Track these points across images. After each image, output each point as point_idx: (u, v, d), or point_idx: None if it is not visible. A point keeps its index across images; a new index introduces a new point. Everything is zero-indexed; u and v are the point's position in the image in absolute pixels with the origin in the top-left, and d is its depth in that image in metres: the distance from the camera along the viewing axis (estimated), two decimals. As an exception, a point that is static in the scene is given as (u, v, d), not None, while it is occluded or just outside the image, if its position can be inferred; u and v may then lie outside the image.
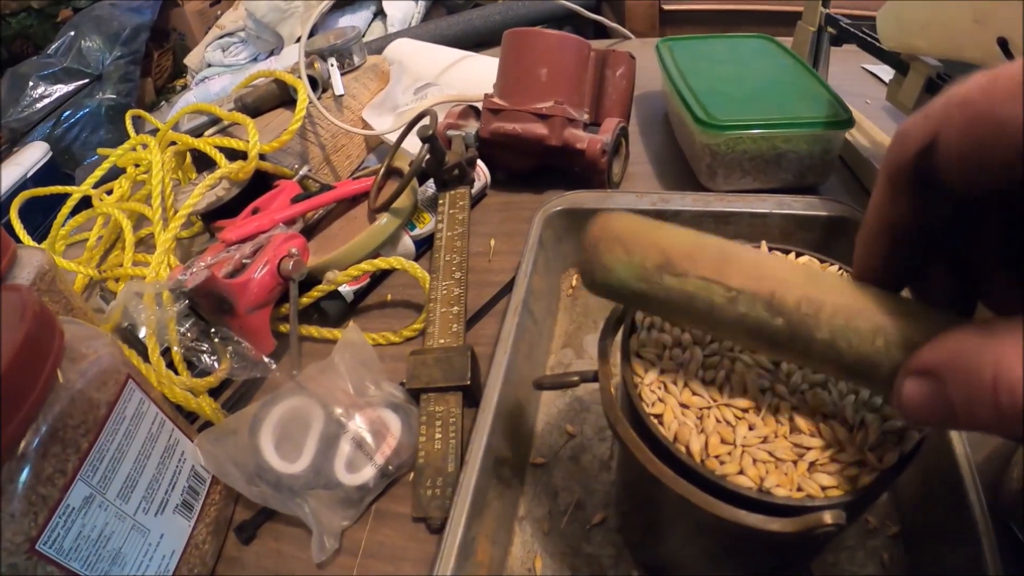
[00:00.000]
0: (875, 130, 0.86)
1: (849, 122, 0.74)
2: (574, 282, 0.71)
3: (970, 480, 0.43)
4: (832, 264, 0.40)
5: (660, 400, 0.35)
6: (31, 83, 2.25)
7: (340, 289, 0.71)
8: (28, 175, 1.76)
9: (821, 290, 0.28)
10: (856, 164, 0.84)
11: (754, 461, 0.32)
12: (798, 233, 0.65)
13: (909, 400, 0.24)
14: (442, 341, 0.62)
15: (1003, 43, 0.53)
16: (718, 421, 0.34)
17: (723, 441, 0.33)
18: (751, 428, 0.33)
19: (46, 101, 2.25)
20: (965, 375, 0.22)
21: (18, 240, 0.92)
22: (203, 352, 0.62)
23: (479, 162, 0.85)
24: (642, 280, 0.32)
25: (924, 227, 0.26)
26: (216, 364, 0.62)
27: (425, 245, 0.79)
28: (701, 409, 0.34)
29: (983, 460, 0.49)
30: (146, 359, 0.61)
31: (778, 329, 0.29)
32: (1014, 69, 0.21)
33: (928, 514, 0.47)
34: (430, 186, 0.83)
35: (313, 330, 0.70)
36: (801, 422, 0.33)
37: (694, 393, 0.35)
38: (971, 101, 0.22)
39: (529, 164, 0.86)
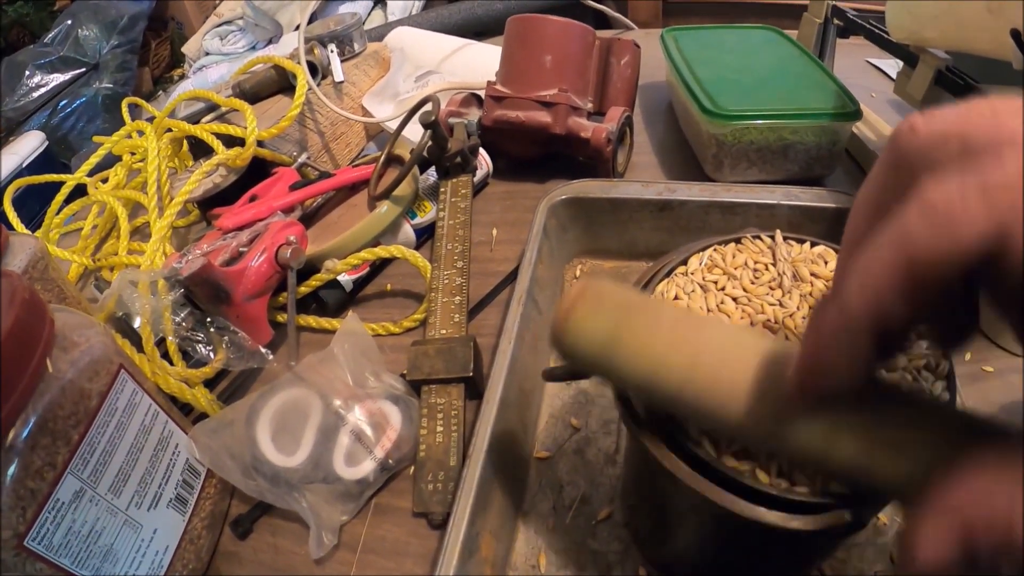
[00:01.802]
0: (881, 123, 0.86)
1: (857, 114, 0.73)
2: (578, 272, 0.70)
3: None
4: None
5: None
6: (27, 72, 2.24)
7: (339, 278, 0.70)
8: (24, 165, 1.75)
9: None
10: (862, 157, 0.83)
11: (770, 456, 0.31)
12: (806, 225, 0.64)
13: (924, 557, 0.20)
14: (444, 331, 0.61)
15: (1016, 35, 0.52)
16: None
17: None
18: None
19: (42, 90, 2.24)
20: (990, 519, 0.19)
21: (11, 228, 0.91)
22: (199, 342, 0.61)
23: (481, 150, 0.84)
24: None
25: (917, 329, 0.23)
26: (212, 354, 0.61)
27: (426, 234, 0.78)
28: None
29: None
30: (140, 349, 0.60)
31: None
32: None
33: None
34: (431, 174, 0.81)
35: (311, 320, 0.69)
36: None
37: None
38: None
39: (532, 153, 0.85)
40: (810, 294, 0.38)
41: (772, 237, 0.42)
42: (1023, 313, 0.20)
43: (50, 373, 0.38)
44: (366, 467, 0.53)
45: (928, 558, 0.19)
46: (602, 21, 1.40)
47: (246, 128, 0.76)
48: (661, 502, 0.41)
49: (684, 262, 0.41)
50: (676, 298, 0.39)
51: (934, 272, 0.19)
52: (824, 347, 0.23)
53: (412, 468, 0.55)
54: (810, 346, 0.23)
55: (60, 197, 0.93)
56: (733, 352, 0.29)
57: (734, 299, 0.39)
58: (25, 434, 0.36)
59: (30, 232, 0.87)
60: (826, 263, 0.40)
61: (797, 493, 0.30)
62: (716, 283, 0.40)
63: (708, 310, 0.38)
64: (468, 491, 0.44)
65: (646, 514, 0.46)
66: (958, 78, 0.66)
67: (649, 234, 0.68)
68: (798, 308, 0.37)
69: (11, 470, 0.36)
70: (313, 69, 0.88)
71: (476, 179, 0.81)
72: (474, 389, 0.57)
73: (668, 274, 0.40)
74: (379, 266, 0.76)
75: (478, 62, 1.03)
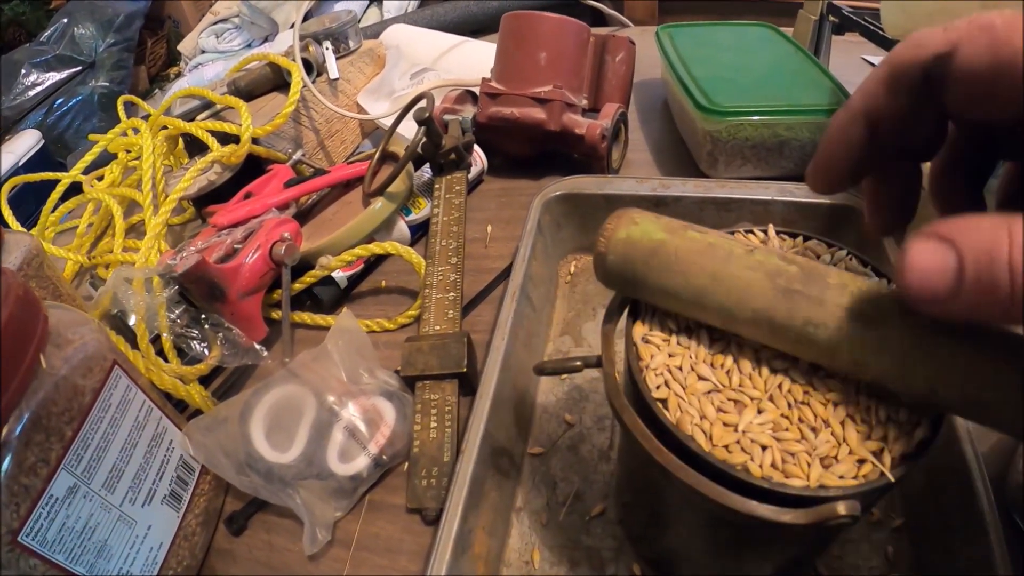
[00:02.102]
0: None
1: None
2: (572, 269, 0.70)
3: (977, 472, 0.42)
4: (840, 249, 0.39)
5: (665, 385, 0.34)
6: (23, 70, 2.24)
7: (333, 275, 0.70)
8: (20, 163, 1.75)
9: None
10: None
11: (763, 449, 0.31)
12: (801, 221, 0.64)
13: (917, 264, 0.23)
14: (438, 328, 0.61)
15: None
16: (723, 409, 0.33)
17: (727, 426, 0.32)
18: (760, 412, 0.32)
19: (39, 89, 2.24)
20: (979, 237, 0.22)
21: (7, 226, 0.91)
22: (193, 339, 0.61)
23: (476, 147, 0.84)
24: (667, 231, 0.34)
25: (899, 127, 0.28)
26: (207, 351, 0.61)
27: (420, 231, 0.78)
28: (708, 394, 0.33)
29: (987, 453, 0.49)
30: (135, 346, 0.60)
31: (793, 274, 0.30)
32: None
33: (934, 506, 0.46)
34: (426, 171, 0.81)
35: (306, 316, 0.69)
36: (812, 409, 0.32)
37: (701, 378, 0.34)
38: (995, 27, 0.24)
39: (527, 149, 0.85)
40: None
41: (765, 231, 0.42)
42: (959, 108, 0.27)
43: (44, 370, 0.38)
44: (360, 463, 0.53)
45: (917, 265, 0.23)
46: (598, 18, 1.40)
47: (241, 125, 0.76)
48: (654, 497, 0.41)
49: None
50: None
51: (904, 69, 0.27)
52: (831, 138, 0.30)
53: (406, 464, 0.55)
54: (823, 141, 0.31)
55: (55, 195, 0.93)
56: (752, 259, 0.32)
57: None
58: (19, 430, 0.36)
59: (25, 230, 0.87)
60: (818, 257, 0.40)
61: (790, 487, 0.30)
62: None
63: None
64: (461, 487, 0.44)
65: (640, 510, 0.46)
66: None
67: (643, 231, 0.68)
68: None
69: (4, 466, 0.36)
70: (308, 66, 0.88)
71: (471, 176, 0.81)
72: (468, 385, 0.57)
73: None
74: (373, 263, 0.76)
75: (473, 59, 1.02)
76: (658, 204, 0.66)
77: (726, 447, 0.31)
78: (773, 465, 0.31)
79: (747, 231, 0.42)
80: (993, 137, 0.29)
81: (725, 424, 0.32)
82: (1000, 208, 0.30)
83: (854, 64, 1.05)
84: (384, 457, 0.54)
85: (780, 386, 0.33)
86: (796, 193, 0.64)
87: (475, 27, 1.47)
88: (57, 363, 0.40)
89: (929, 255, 0.23)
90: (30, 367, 0.37)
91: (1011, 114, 0.24)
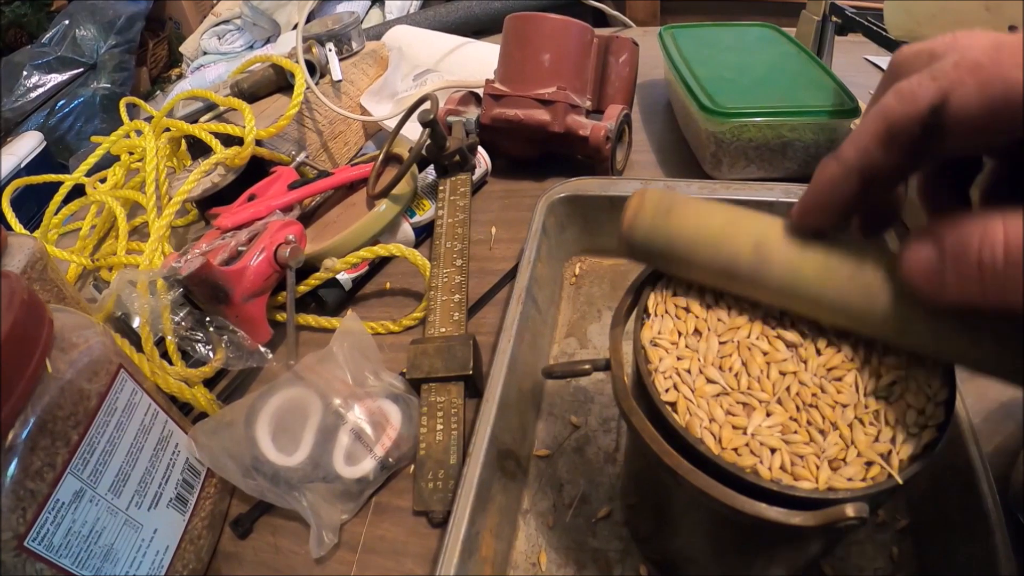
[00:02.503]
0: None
1: (855, 111, 0.73)
2: (577, 271, 0.70)
3: (982, 472, 0.42)
4: None
5: (674, 388, 0.34)
6: (25, 72, 2.24)
7: (338, 277, 0.70)
8: (22, 165, 1.75)
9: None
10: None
11: (772, 451, 0.31)
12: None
13: (911, 260, 0.27)
14: (443, 330, 0.61)
15: (1013, 31, 0.53)
16: (732, 412, 0.33)
17: (736, 428, 0.32)
18: (769, 415, 0.32)
19: (40, 91, 2.24)
20: (957, 235, 0.25)
21: (9, 228, 0.91)
22: (198, 341, 0.61)
23: (480, 149, 0.84)
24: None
25: (895, 177, 0.30)
26: (211, 354, 0.61)
27: (425, 233, 0.78)
28: (717, 397, 0.33)
29: (991, 453, 0.49)
30: (139, 349, 0.59)
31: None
32: (1015, 39, 0.24)
33: (938, 507, 0.46)
34: (430, 172, 0.81)
35: (311, 319, 0.69)
36: (820, 412, 0.32)
37: (709, 380, 0.34)
38: (982, 66, 0.25)
39: (531, 151, 0.85)
40: None
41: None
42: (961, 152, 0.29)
43: (49, 374, 0.38)
44: (366, 466, 0.53)
45: (910, 261, 0.27)
46: (600, 19, 1.40)
47: (244, 127, 0.76)
48: (662, 499, 0.41)
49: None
50: (675, 294, 0.39)
51: (902, 126, 0.27)
52: (822, 189, 0.31)
53: (412, 467, 0.55)
54: (812, 187, 0.32)
55: (58, 197, 0.93)
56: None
57: (733, 295, 0.39)
58: (24, 435, 0.36)
59: (28, 233, 0.87)
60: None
61: (799, 489, 0.30)
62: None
63: (708, 306, 0.38)
64: (468, 490, 0.44)
65: (647, 512, 0.46)
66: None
67: (649, 232, 0.68)
68: None
69: (10, 471, 0.36)
70: (311, 68, 0.88)
71: (475, 177, 0.81)
72: (473, 388, 0.57)
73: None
74: (378, 265, 0.76)
75: (476, 61, 1.02)
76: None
77: (735, 450, 0.31)
78: (782, 468, 0.31)
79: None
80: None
81: (734, 427, 0.32)
82: (984, 201, 0.31)
83: (857, 64, 1.05)
84: (390, 460, 0.54)
85: (789, 389, 0.33)
86: (800, 194, 0.64)
87: (477, 28, 1.47)
88: (62, 367, 0.39)
89: (918, 252, 0.27)
90: (36, 371, 0.37)
91: (1007, 139, 0.25)
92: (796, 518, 0.29)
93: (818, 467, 0.31)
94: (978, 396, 0.55)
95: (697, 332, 0.36)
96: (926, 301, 0.27)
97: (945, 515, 0.45)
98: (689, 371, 0.34)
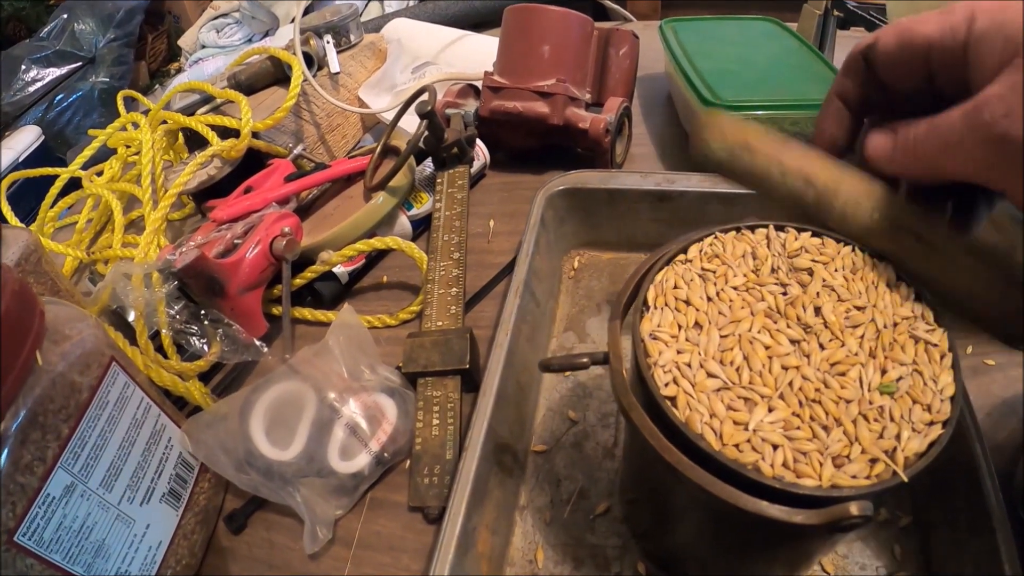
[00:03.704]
0: (881, 114, 0.85)
1: None
2: (576, 264, 0.70)
3: (985, 470, 0.42)
4: (846, 245, 0.39)
5: (674, 382, 0.33)
6: (23, 66, 2.23)
7: (335, 270, 0.69)
8: (20, 159, 1.74)
9: (843, 177, 0.38)
10: (862, 148, 0.82)
11: (774, 448, 0.31)
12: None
13: (873, 142, 0.37)
14: (440, 323, 0.60)
15: None
16: (733, 407, 0.32)
17: (737, 424, 0.32)
18: (771, 411, 0.32)
19: (39, 84, 2.23)
20: (906, 132, 0.35)
21: (5, 222, 0.90)
22: (193, 335, 0.60)
23: (478, 141, 0.83)
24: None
25: (860, 98, 0.40)
26: (206, 347, 0.61)
27: (422, 226, 0.78)
28: (717, 392, 0.33)
29: (993, 450, 0.48)
30: (134, 342, 0.59)
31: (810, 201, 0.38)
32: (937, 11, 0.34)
33: (942, 505, 0.46)
34: (428, 165, 0.81)
35: (307, 312, 0.68)
36: (824, 407, 0.32)
37: (710, 375, 0.33)
38: (902, 23, 0.35)
39: (530, 143, 0.84)
40: (808, 283, 0.38)
41: (781, 228, 0.42)
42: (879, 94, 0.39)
43: (40, 366, 0.38)
44: (361, 461, 0.53)
45: (873, 142, 0.37)
46: (601, 13, 1.39)
47: (241, 119, 0.76)
48: (661, 496, 0.40)
49: (684, 251, 0.41)
50: (676, 287, 0.38)
51: (852, 58, 0.39)
52: (819, 114, 0.42)
53: (408, 462, 0.54)
54: (817, 119, 0.42)
55: (54, 190, 0.92)
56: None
57: (734, 287, 0.38)
58: (14, 428, 0.36)
59: (24, 226, 0.86)
60: (822, 256, 0.39)
61: (802, 487, 0.29)
62: (715, 272, 0.39)
63: (709, 299, 0.38)
64: (464, 485, 0.44)
65: (645, 508, 0.45)
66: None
67: (647, 225, 0.68)
68: (798, 296, 0.37)
69: (1, 465, 0.35)
70: (309, 60, 0.87)
71: (473, 170, 0.80)
72: (471, 382, 0.57)
73: (668, 262, 0.40)
74: (375, 258, 0.75)
75: (475, 53, 1.02)
76: (662, 199, 0.66)
77: (736, 446, 0.31)
78: (784, 464, 0.30)
79: (754, 226, 0.42)
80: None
81: (735, 423, 0.32)
82: None
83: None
84: (386, 455, 0.53)
85: (791, 383, 0.33)
86: None
87: (477, 21, 1.47)
88: (54, 359, 0.39)
89: (878, 139, 0.37)
90: (26, 363, 0.37)
91: (919, 80, 0.36)
92: (799, 516, 0.29)
93: (821, 464, 0.30)
94: (981, 392, 0.55)
95: (698, 325, 0.36)
96: (880, 171, 0.37)
97: (948, 513, 0.45)
98: (689, 365, 0.34)
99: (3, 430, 0.35)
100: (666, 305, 0.37)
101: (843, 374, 0.33)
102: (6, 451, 0.35)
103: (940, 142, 0.33)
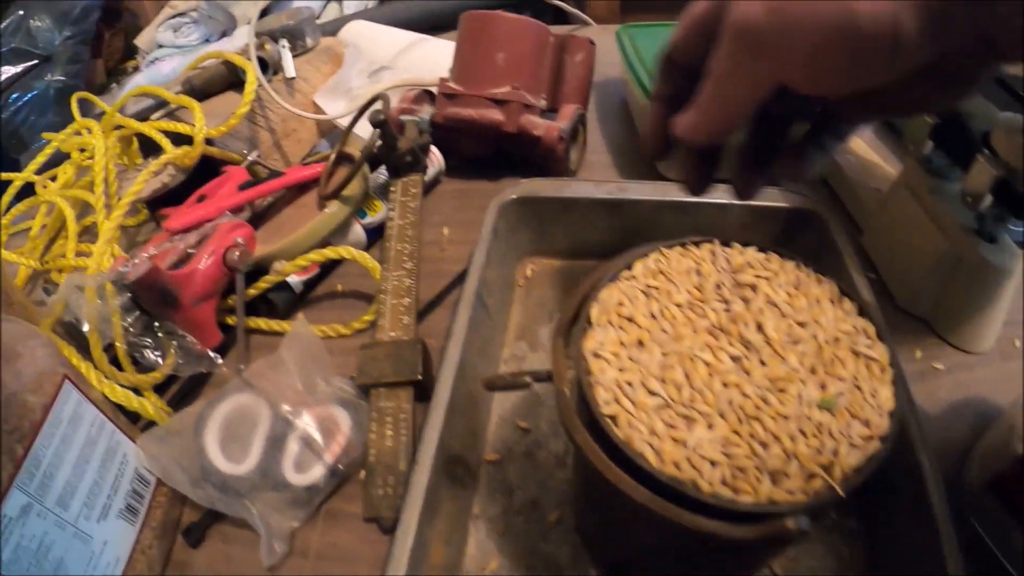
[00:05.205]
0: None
1: None
2: (528, 272, 0.70)
3: (930, 475, 0.43)
4: (791, 260, 0.40)
5: (615, 401, 0.34)
6: (-24, 64, 2.19)
7: (288, 280, 0.69)
8: (-27, 160, 1.71)
9: None
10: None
11: (713, 465, 0.32)
12: (759, 224, 0.65)
13: (680, 121, 0.38)
14: (393, 334, 0.60)
15: None
16: (672, 425, 0.33)
17: (676, 442, 0.32)
18: (710, 428, 0.33)
19: (-7, 83, 2.19)
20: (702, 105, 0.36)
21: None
22: (147, 347, 0.60)
23: (433, 148, 0.83)
24: None
25: (680, 97, 0.39)
26: (161, 359, 0.60)
27: (376, 234, 0.78)
28: (658, 410, 0.34)
29: (945, 451, 0.50)
30: (89, 354, 0.59)
31: None
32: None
33: (888, 509, 0.47)
34: (382, 172, 0.81)
35: (261, 322, 0.68)
36: (763, 424, 0.33)
37: (651, 393, 0.34)
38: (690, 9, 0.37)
39: (484, 150, 0.85)
40: (751, 299, 0.39)
41: (726, 243, 0.43)
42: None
43: (-9, 388, 0.38)
44: (316, 473, 0.53)
45: (679, 121, 0.38)
46: (560, 16, 1.39)
47: (195, 126, 0.75)
48: (609, 508, 0.41)
49: (629, 267, 0.42)
50: (620, 304, 0.39)
51: (662, 60, 0.41)
52: (647, 123, 0.44)
53: (362, 473, 0.54)
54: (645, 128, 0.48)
55: (7, 197, 0.91)
56: None
57: (678, 304, 0.39)
58: (-33, 450, 0.36)
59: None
60: (766, 271, 0.40)
61: (739, 503, 0.30)
62: (659, 288, 0.40)
63: (652, 316, 0.38)
64: (416, 497, 0.44)
65: (595, 519, 0.46)
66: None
67: (601, 233, 0.69)
68: (741, 313, 0.38)
69: (-46, 487, 0.35)
70: (264, 65, 0.87)
71: (428, 177, 0.81)
72: (423, 392, 0.57)
73: (613, 279, 0.41)
74: (329, 266, 0.75)
75: (433, 58, 1.02)
76: (615, 208, 0.67)
77: (676, 464, 0.32)
78: (723, 481, 0.31)
79: (698, 242, 0.43)
80: None
81: (675, 440, 0.32)
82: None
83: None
84: (340, 466, 0.54)
85: (731, 401, 0.34)
86: (754, 197, 0.65)
87: (436, 24, 1.46)
88: (8, 379, 0.39)
89: (680, 116, 0.38)
90: (-21, 385, 0.36)
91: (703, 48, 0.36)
92: (736, 531, 0.30)
93: (759, 480, 0.31)
94: (928, 396, 0.56)
95: (640, 343, 0.37)
96: (697, 144, 0.38)
97: (895, 517, 0.46)
98: (631, 384, 0.35)
99: (-44, 452, 0.35)
100: (609, 323, 0.38)
101: (783, 390, 0.34)
102: (-42, 473, 0.35)
103: (720, 76, 0.34)
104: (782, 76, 0.32)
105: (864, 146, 0.80)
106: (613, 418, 0.34)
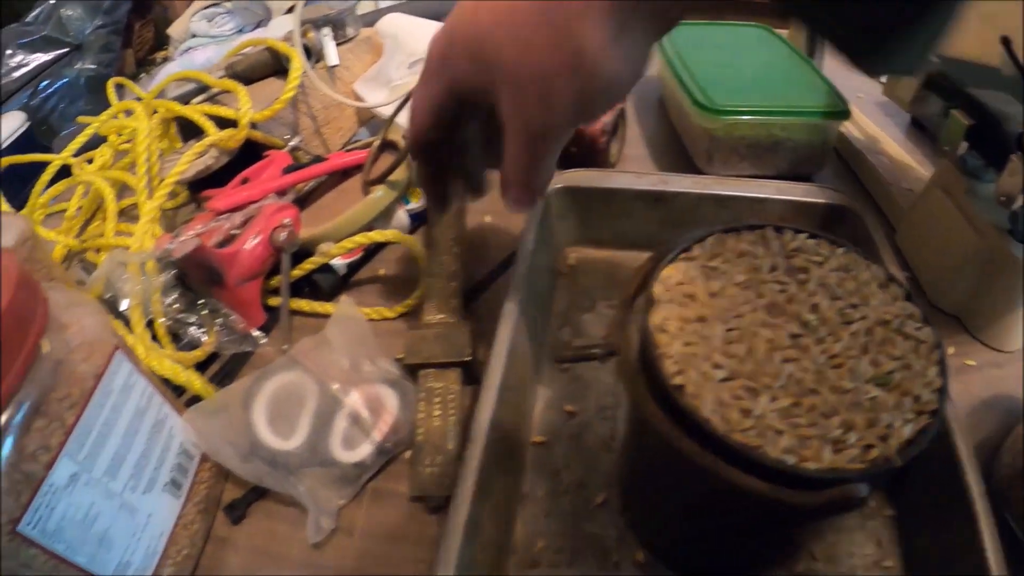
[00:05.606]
0: (868, 123, 0.87)
1: (846, 113, 0.75)
2: (572, 261, 0.71)
3: (968, 464, 0.44)
4: (840, 246, 0.42)
5: (682, 372, 0.34)
6: (8, 51, 2.20)
7: (333, 262, 0.69)
8: (4, 145, 1.72)
9: None
10: (850, 155, 0.85)
11: (778, 433, 0.32)
12: (797, 219, 0.65)
13: (511, 202, 0.46)
14: (440, 316, 0.61)
15: (1006, 41, 0.54)
16: (738, 396, 0.34)
17: (743, 411, 0.33)
18: (774, 400, 0.34)
19: (23, 70, 2.20)
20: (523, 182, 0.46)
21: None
22: (190, 324, 0.60)
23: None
24: None
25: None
26: (203, 337, 0.60)
27: (419, 220, 0.77)
28: (723, 381, 0.34)
29: (976, 446, 0.51)
30: (130, 331, 0.59)
31: None
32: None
33: (925, 497, 0.47)
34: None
35: (304, 304, 0.68)
36: (822, 397, 0.34)
37: (716, 365, 0.35)
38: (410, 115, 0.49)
39: (526, 141, 0.84)
40: (805, 281, 0.40)
41: (778, 229, 0.43)
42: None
43: (44, 354, 0.37)
44: (364, 451, 0.53)
45: (510, 202, 0.46)
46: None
47: (238, 109, 0.76)
48: (662, 484, 0.42)
49: (688, 248, 0.42)
50: (680, 283, 0.39)
51: (413, 151, 0.50)
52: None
53: (408, 452, 0.54)
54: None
55: (45, 177, 0.92)
56: None
57: (736, 284, 0.39)
58: (19, 417, 0.36)
59: (15, 211, 0.86)
60: (818, 256, 0.41)
61: (807, 469, 0.31)
62: (717, 269, 0.40)
63: (712, 294, 0.39)
64: (469, 475, 0.44)
65: (645, 498, 0.47)
66: (946, 82, 0.67)
67: (641, 225, 0.69)
68: (796, 293, 0.39)
69: (5, 453, 0.35)
70: (307, 53, 0.87)
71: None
72: (469, 374, 0.57)
73: (673, 258, 0.41)
74: (373, 251, 0.75)
75: (471, 49, 1.01)
76: (657, 199, 0.67)
77: (743, 431, 0.32)
78: (788, 449, 0.32)
79: (755, 227, 0.43)
80: None
81: (741, 410, 0.33)
82: None
83: (846, 69, 1.05)
84: (387, 444, 0.54)
85: (791, 375, 0.35)
86: (792, 192, 0.66)
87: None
88: (58, 347, 0.39)
89: (510, 196, 0.45)
90: (31, 351, 0.36)
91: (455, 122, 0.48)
92: (805, 498, 0.31)
93: (821, 449, 0.32)
94: (962, 392, 0.57)
95: (702, 319, 0.37)
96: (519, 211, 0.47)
97: (932, 505, 0.47)
98: (696, 356, 0.35)
99: (8, 419, 0.35)
100: (672, 300, 0.38)
101: (839, 366, 0.35)
102: (11, 440, 0.35)
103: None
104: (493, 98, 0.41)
105: (897, 148, 0.80)
106: (681, 388, 0.34)
